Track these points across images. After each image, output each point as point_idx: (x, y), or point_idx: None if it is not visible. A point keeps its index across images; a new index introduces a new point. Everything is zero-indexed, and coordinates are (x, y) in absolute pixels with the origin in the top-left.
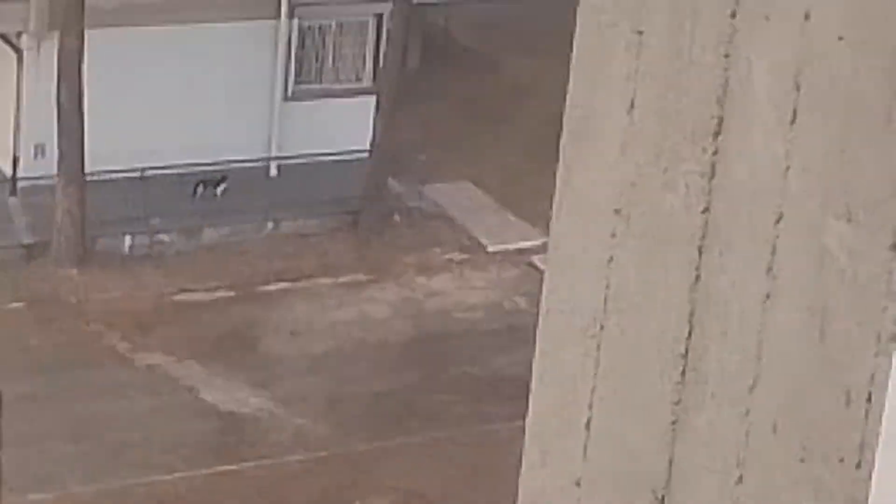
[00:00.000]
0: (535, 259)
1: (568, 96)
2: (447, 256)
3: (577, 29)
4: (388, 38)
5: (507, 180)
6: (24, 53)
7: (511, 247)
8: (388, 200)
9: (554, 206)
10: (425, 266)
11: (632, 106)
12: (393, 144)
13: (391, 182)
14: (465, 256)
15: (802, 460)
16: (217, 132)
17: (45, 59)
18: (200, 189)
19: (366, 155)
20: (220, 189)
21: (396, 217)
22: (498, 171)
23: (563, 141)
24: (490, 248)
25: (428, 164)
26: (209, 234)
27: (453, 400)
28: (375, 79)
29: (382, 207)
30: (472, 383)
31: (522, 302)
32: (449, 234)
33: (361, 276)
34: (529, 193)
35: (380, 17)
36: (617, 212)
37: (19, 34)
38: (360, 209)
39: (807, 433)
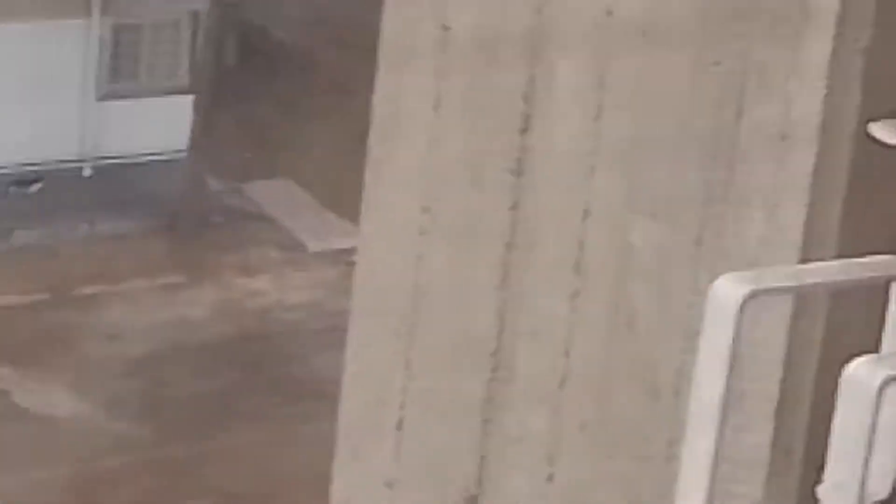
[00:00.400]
0: (356, 259)
1: (375, 94)
2: (267, 256)
3: (383, 25)
4: (204, 36)
5: (328, 178)
6: None
7: (332, 246)
8: (206, 200)
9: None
10: (245, 266)
11: (438, 103)
12: (211, 143)
13: (210, 181)
14: (285, 256)
15: (611, 457)
16: (29, 132)
17: None
18: (13, 189)
19: (181, 154)
20: (33, 188)
21: (215, 217)
22: (318, 169)
23: (370, 139)
24: (311, 248)
25: (247, 162)
26: (21, 236)
27: (274, 401)
28: (192, 77)
29: (201, 207)
30: (294, 384)
31: (344, 302)
32: (269, 233)
33: (180, 278)
34: (350, 192)
35: (195, 14)
36: (425, 209)
37: None
38: (178, 209)
39: (615, 430)
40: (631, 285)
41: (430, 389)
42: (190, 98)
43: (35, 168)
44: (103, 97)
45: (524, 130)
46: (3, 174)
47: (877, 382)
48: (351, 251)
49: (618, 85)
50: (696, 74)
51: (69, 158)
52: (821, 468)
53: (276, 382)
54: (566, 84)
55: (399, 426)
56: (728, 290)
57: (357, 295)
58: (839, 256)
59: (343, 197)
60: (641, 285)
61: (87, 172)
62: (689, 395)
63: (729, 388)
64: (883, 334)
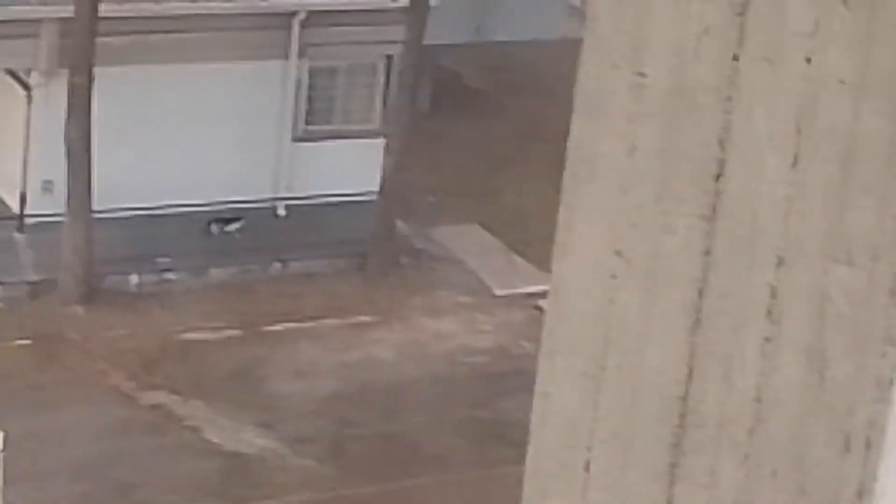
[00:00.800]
0: (542, 303)
1: (569, 138)
2: (454, 299)
3: (580, 71)
4: (398, 80)
5: (516, 224)
6: (34, 90)
7: (518, 291)
8: (395, 242)
9: (555, 248)
10: (432, 308)
11: (633, 148)
12: (401, 186)
13: (399, 224)
14: (471, 299)
15: None
16: (226, 171)
17: (54, 96)
18: (214, 227)
19: (374, 197)
20: (233, 227)
21: (404, 259)
22: (506, 215)
23: (564, 183)
24: (497, 292)
25: (436, 206)
26: (217, 273)
27: (459, 443)
28: (385, 120)
29: (390, 249)
30: (478, 427)
31: (529, 346)
32: (456, 276)
33: (368, 318)
34: (538, 237)
35: (390, 58)
36: (618, 253)
37: (29, 71)
38: (368, 251)
39: (805, 478)
40: (824, 333)
41: (618, 433)
42: (382, 141)
43: (231, 207)
44: (299, 138)
45: (718, 176)
46: (202, 212)
47: None
48: (538, 295)
49: (816, 131)
50: (894, 123)
51: (264, 198)
52: None
53: (461, 425)
54: (763, 130)
55: (587, 468)
56: None
57: (547, 336)
58: None
59: (531, 241)
60: (835, 333)
61: (281, 212)
62: (882, 447)
63: None
64: None
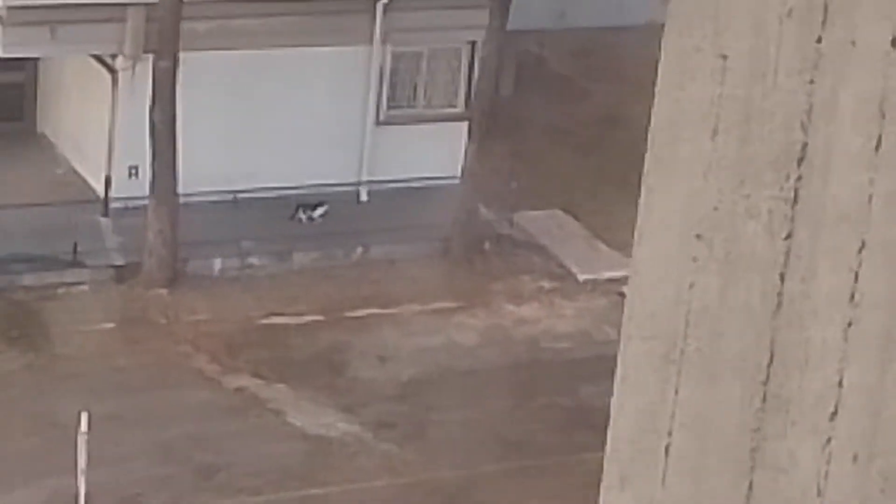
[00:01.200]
0: (625, 289)
1: (652, 122)
2: (537, 284)
3: (662, 54)
4: (481, 65)
5: (599, 209)
6: (119, 74)
7: (601, 276)
8: (478, 227)
9: (636, 232)
10: (514, 294)
11: (715, 131)
12: (484, 171)
13: (482, 209)
14: (554, 285)
15: (883, 491)
16: (309, 156)
17: (139, 81)
18: (301, 214)
19: (456, 181)
20: (319, 212)
21: (486, 244)
22: (589, 200)
23: (646, 166)
24: (580, 277)
25: (519, 191)
26: (299, 258)
27: (541, 428)
28: (468, 105)
29: (472, 234)
30: (561, 412)
31: (612, 332)
32: (539, 262)
33: (450, 303)
34: (620, 222)
35: (473, 43)
36: (699, 237)
37: (114, 55)
38: (450, 236)
39: (888, 463)
40: None
41: (699, 416)
42: (465, 125)
43: (314, 192)
44: (382, 122)
45: (801, 160)
46: (287, 196)
47: None
48: (620, 281)
49: None
50: None
51: (348, 182)
52: None
53: (543, 410)
54: (846, 114)
55: (667, 452)
56: None
57: (628, 320)
58: None
59: (613, 227)
60: None
61: (363, 197)
62: None
63: None
64: None
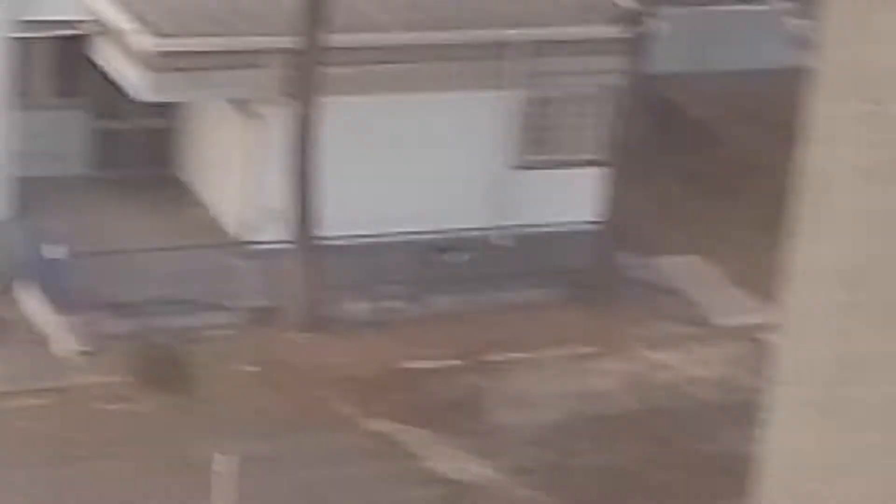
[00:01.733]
0: (764, 334)
1: (800, 167)
2: (674, 330)
3: (813, 99)
4: (617, 110)
5: (735, 255)
6: (260, 119)
7: (739, 321)
8: (615, 272)
9: (785, 278)
10: (652, 340)
11: (869, 175)
12: (620, 217)
13: (618, 254)
14: (692, 330)
15: None
16: (446, 199)
17: (277, 125)
18: (447, 256)
19: (591, 226)
20: (462, 257)
21: (624, 290)
22: (726, 246)
23: (793, 211)
24: (717, 323)
25: (655, 237)
26: (438, 302)
27: (681, 476)
28: (603, 150)
29: (610, 279)
30: (701, 459)
31: (750, 378)
32: (676, 307)
33: (588, 348)
34: (757, 268)
35: (608, 88)
36: (852, 283)
37: (256, 100)
38: (587, 280)
39: None
40: None
41: (854, 465)
42: (599, 170)
43: (453, 236)
44: (517, 167)
45: None
46: (422, 240)
47: None
48: (758, 327)
49: None
50: None
51: (482, 226)
52: None
53: (683, 458)
54: None
55: (816, 499)
56: None
57: (776, 367)
58: None
59: (750, 273)
60: None
61: (499, 241)
62: None
63: None
64: None
